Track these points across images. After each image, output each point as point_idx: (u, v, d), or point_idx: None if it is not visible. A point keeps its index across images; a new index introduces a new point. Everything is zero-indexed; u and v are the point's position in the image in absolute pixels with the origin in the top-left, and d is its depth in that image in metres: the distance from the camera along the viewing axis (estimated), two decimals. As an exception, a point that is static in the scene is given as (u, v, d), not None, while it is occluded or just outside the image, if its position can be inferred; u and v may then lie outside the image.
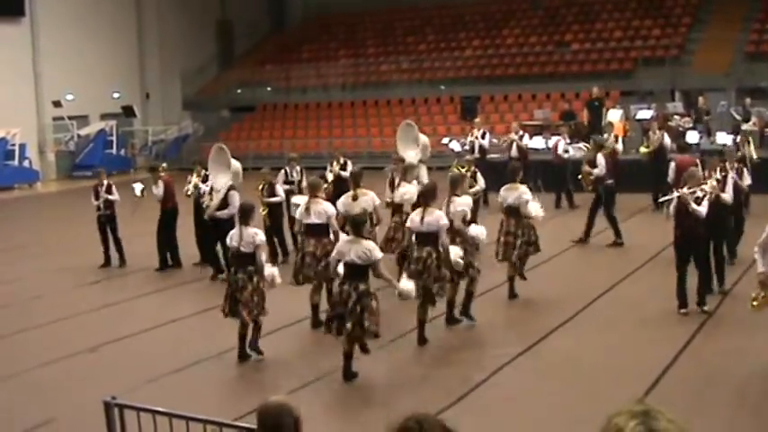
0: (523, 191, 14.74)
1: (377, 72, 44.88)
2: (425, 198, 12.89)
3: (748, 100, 30.02)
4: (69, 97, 40.33)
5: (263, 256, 12.37)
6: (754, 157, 21.13)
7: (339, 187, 18.64)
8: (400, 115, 41.01)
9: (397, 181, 16.70)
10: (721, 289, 14.73)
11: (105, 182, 19.20)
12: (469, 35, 45.55)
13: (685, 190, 13.22)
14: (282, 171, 19.54)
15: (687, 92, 34.59)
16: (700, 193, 13.26)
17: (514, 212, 14.73)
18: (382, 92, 43.62)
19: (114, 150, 41.57)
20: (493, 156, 26.33)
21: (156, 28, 45.61)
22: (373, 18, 49.92)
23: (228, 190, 17.10)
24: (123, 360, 12.74)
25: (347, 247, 11.12)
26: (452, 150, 26.57)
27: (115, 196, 19.08)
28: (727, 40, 37.94)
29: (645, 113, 29.81)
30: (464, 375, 11.28)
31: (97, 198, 19.06)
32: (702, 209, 13.16)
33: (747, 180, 16.37)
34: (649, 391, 10.34)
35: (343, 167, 20.15)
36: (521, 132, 26.07)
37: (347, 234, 12.26)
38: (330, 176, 19.75)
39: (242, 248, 12.15)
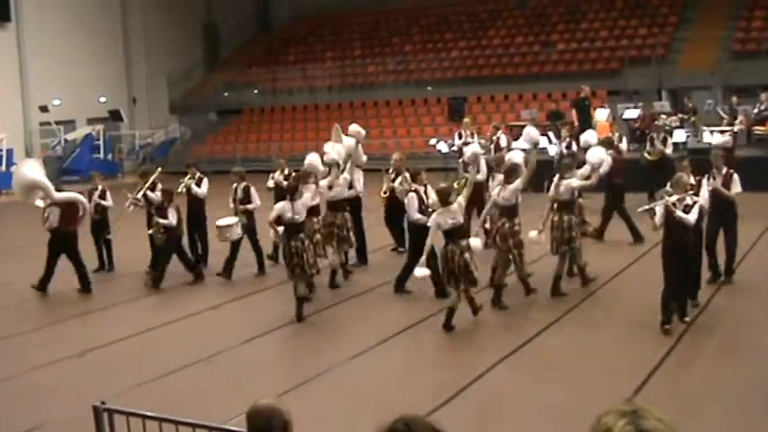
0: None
1: (363, 73, 44.89)
2: (507, 176, 14.62)
3: (735, 98, 30.07)
4: (56, 102, 40.26)
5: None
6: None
7: (279, 195, 18.39)
8: (388, 117, 41.19)
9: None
10: (694, 302, 13.52)
11: (100, 186, 19.07)
12: (456, 36, 45.60)
13: (672, 198, 12.38)
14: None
15: (674, 91, 34.71)
16: (689, 200, 12.46)
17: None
18: (369, 93, 43.64)
19: (102, 155, 41.45)
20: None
21: (142, 32, 45.59)
22: (359, 20, 49.97)
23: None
24: (113, 364, 12.70)
25: (441, 218, 13.16)
26: (440, 152, 26.59)
27: (108, 202, 18.96)
28: (714, 38, 38.04)
29: (632, 113, 29.89)
30: (454, 375, 11.28)
31: (90, 202, 18.91)
32: (691, 217, 12.40)
33: (737, 188, 14.59)
34: (638, 390, 10.35)
35: (287, 178, 18.64)
36: (498, 134, 25.75)
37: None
38: (271, 183, 19.21)
39: (296, 218, 14.43)
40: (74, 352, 13.29)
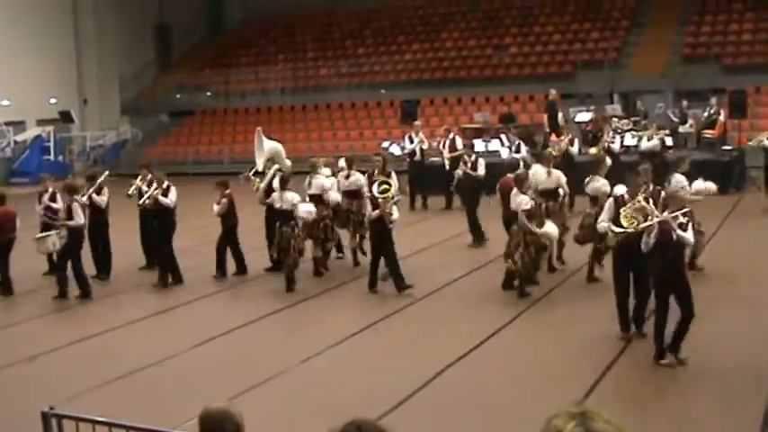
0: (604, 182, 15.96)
1: (316, 76, 44.86)
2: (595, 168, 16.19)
3: (685, 102, 30.42)
4: (5, 103, 39.86)
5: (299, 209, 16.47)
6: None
7: (144, 210, 18.25)
8: (340, 119, 41.17)
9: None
10: (640, 331, 12.58)
11: (50, 189, 18.75)
12: (408, 38, 45.64)
13: (666, 214, 11.06)
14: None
15: (626, 94, 34.99)
16: (683, 218, 11.05)
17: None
18: (322, 96, 43.59)
19: (52, 156, 41.05)
20: (432, 159, 26.53)
21: (94, 32, 45.19)
22: (311, 22, 49.84)
23: None
24: (62, 369, 12.57)
25: (515, 201, 14.93)
26: (392, 154, 26.58)
27: (58, 204, 18.62)
28: (664, 42, 38.45)
29: (584, 116, 30.08)
30: (408, 378, 11.27)
31: (39, 204, 18.62)
32: (690, 235, 11.16)
33: None
34: (590, 392, 10.41)
35: (165, 193, 17.76)
36: (450, 135, 25.93)
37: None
38: (132, 190, 18.36)
39: (284, 207, 16.31)
40: (24, 356, 13.14)
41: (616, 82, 35.86)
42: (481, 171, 20.34)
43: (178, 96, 47.49)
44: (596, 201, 15.50)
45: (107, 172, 19.37)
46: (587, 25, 42.43)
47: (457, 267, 17.59)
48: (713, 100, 29.00)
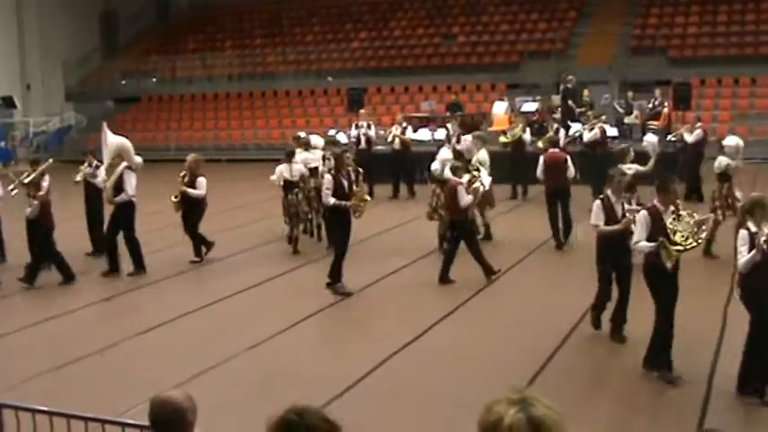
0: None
1: (263, 63, 44.67)
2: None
3: (630, 93, 30.71)
4: (-54, 88, 39.32)
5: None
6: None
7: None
8: (287, 107, 41.05)
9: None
10: (619, 334, 11.99)
11: None
12: (357, 26, 45.62)
13: (750, 225, 9.52)
14: None
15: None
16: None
17: None
18: (269, 83, 43.44)
19: (-6, 142, 40.61)
20: (378, 148, 26.55)
21: (37, 16, 44.59)
22: (260, 9, 49.65)
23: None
24: (1, 359, 12.41)
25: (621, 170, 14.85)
26: (338, 142, 26.51)
27: None
28: (611, 34, 38.71)
29: (530, 106, 30.24)
30: (352, 365, 11.27)
31: None
32: None
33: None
34: (533, 379, 10.46)
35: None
36: (404, 124, 26.12)
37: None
38: (79, 177, 18.68)
39: (291, 178, 18.28)
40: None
41: (563, 72, 36.02)
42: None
43: (123, 83, 47.03)
44: None
45: (51, 160, 18.96)
46: (534, 15, 42.65)
47: (405, 255, 17.58)
48: (657, 92, 29.36)
